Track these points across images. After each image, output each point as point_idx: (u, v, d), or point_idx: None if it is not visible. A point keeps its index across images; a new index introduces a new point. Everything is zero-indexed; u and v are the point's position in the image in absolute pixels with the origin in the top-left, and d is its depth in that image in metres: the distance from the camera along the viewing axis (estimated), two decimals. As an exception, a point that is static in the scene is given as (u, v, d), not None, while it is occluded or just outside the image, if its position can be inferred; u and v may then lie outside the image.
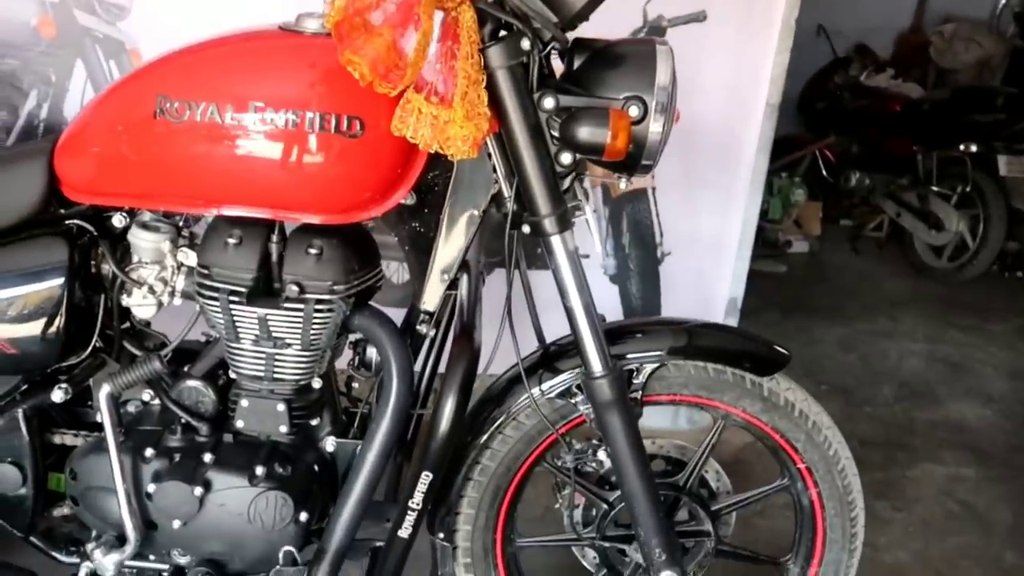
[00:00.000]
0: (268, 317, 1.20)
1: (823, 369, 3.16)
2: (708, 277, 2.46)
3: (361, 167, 1.13)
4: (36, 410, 1.27)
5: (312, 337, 1.22)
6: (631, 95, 1.11)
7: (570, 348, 1.27)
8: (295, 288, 1.19)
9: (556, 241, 1.17)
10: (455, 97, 1.03)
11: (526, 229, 1.18)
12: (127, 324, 1.31)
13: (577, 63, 1.17)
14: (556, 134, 1.13)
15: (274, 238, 1.20)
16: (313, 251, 1.19)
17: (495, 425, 1.34)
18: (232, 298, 1.18)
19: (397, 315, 1.32)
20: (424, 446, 1.24)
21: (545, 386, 1.32)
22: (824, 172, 4.77)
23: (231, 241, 1.18)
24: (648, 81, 1.11)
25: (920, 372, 3.20)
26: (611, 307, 2.42)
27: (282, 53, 1.14)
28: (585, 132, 1.09)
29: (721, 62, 2.27)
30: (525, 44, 1.09)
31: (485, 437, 1.35)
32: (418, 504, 1.25)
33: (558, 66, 1.19)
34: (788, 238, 4.46)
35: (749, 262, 2.47)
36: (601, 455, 1.36)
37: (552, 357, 1.34)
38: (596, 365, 1.21)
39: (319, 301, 1.19)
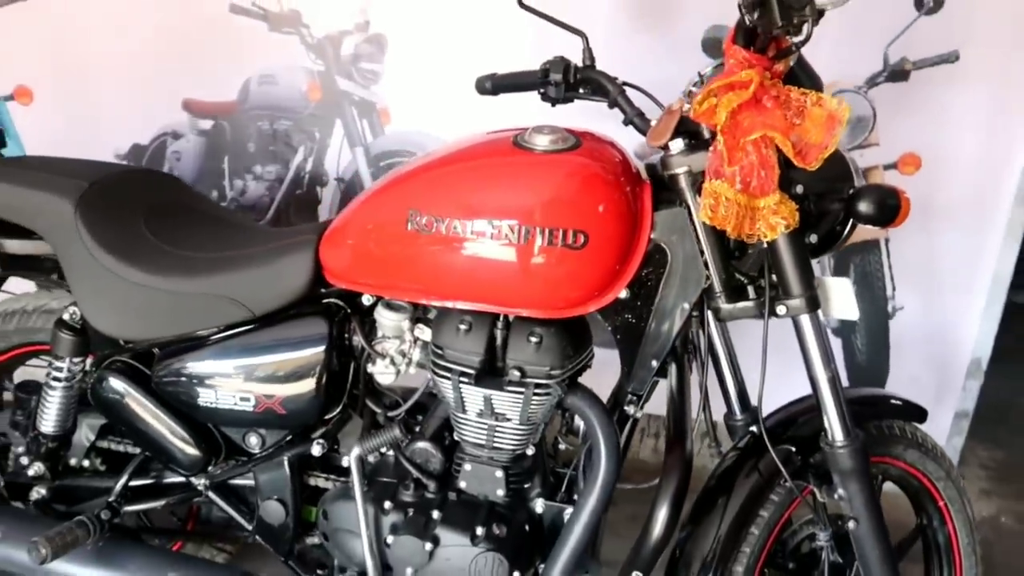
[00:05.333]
0: (492, 397, 1.31)
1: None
2: (947, 335, 2.27)
3: (582, 272, 1.22)
4: (298, 457, 1.49)
5: (530, 414, 1.32)
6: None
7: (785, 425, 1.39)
8: (516, 373, 1.29)
9: (806, 320, 1.23)
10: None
11: (780, 311, 1.23)
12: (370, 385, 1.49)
13: None
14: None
15: (499, 325, 1.31)
16: (534, 339, 1.28)
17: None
18: (462, 379, 1.31)
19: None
20: (636, 547, 1.31)
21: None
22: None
23: (462, 327, 1.31)
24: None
25: None
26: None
27: (515, 172, 1.25)
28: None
29: (975, 98, 2.06)
30: None
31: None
32: None
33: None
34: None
35: (999, 320, 2.24)
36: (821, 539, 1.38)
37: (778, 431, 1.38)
38: (839, 434, 1.25)
39: (538, 385, 1.29)
